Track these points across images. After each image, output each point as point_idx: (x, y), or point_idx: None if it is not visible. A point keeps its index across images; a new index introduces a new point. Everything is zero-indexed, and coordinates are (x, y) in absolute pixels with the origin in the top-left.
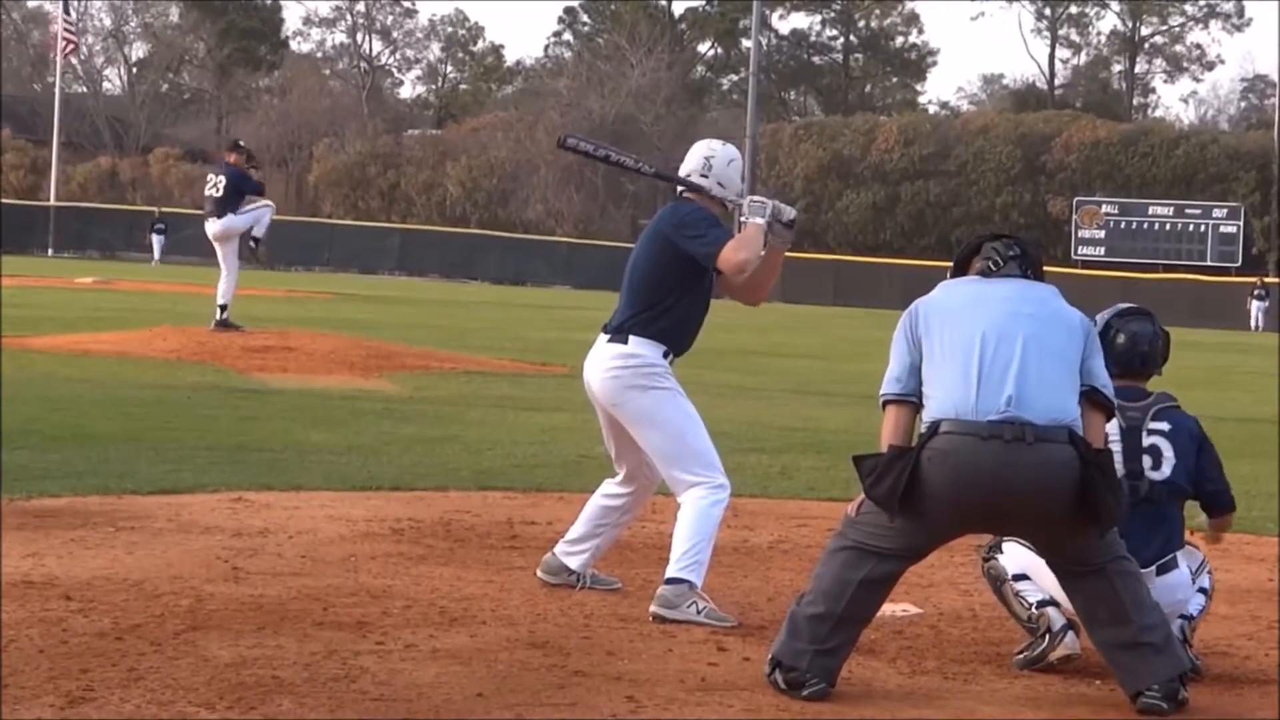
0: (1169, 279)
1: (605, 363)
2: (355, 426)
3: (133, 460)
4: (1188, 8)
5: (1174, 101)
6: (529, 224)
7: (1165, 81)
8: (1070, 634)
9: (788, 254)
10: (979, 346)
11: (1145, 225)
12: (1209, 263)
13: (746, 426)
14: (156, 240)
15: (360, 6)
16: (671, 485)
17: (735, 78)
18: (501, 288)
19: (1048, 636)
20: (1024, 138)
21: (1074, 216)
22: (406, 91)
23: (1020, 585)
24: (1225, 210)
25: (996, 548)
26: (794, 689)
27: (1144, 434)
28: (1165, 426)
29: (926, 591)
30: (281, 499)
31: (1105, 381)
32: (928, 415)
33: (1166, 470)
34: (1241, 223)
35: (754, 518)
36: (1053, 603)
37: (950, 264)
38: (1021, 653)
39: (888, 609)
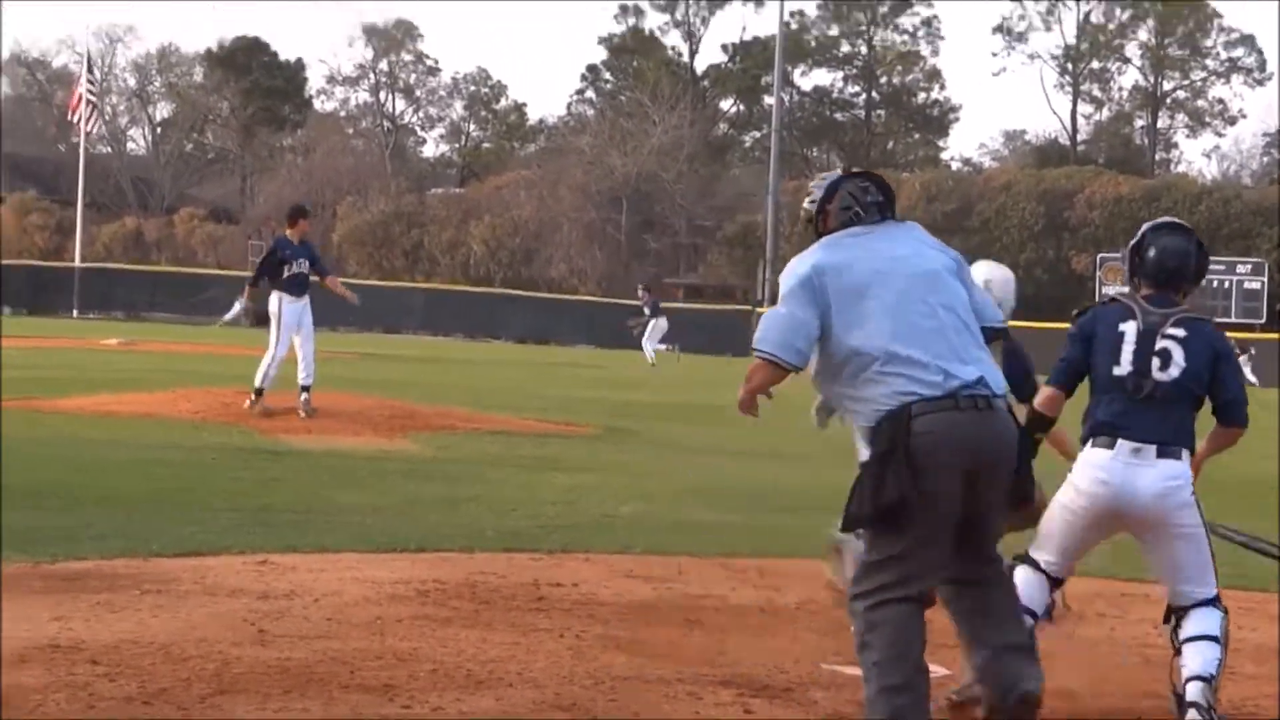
0: None
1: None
2: (380, 487)
3: (158, 522)
4: (1209, 63)
5: (1196, 156)
6: (553, 282)
7: (1188, 136)
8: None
9: None
10: (909, 331)
11: None
12: (1234, 319)
13: (774, 486)
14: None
15: (383, 65)
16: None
17: (758, 134)
18: (525, 347)
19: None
20: (1047, 194)
21: (1098, 273)
22: (430, 150)
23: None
24: (1249, 266)
25: (1010, 569)
26: None
27: (1159, 337)
28: (1182, 333)
29: (953, 653)
30: (307, 561)
31: (990, 315)
32: (883, 402)
33: (1174, 372)
34: (1266, 278)
35: (781, 578)
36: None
37: None
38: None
39: None
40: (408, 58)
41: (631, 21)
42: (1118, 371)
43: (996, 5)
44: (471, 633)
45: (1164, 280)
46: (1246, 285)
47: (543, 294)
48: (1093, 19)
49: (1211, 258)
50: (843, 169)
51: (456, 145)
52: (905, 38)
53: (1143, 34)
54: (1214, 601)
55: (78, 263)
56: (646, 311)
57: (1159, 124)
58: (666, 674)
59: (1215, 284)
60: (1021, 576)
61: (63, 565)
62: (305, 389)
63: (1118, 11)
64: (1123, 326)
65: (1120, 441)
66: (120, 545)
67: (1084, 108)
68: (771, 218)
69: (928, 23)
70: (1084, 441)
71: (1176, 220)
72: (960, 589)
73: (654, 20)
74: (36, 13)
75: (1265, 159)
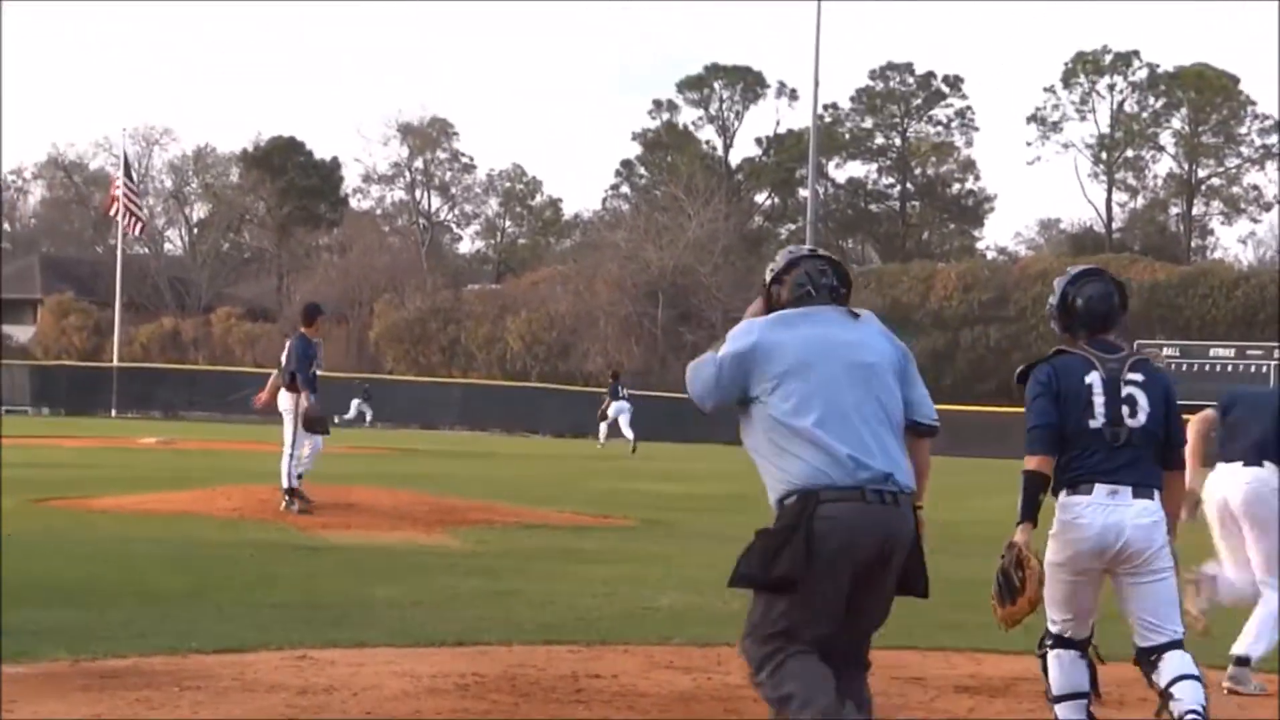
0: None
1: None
2: (418, 581)
3: (197, 619)
4: (1243, 149)
5: (1232, 242)
6: (589, 376)
7: (1223, 223)
8: None
9: None
10: (834, 418)
11: (1207, 367)
12: None
13: None
14: (356, 404)
15: (419, 163)
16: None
17: (793, 226)
18: (563, 441)
19: None
20: None
21: None
22: (465, 246)
23: (1060, 708)
24: None
25: (1043, 655)
26: None
27: (1122, 384)
28: (1140, 378)
29: None
30: (346, 655)
31: (926, 412)
32: (795, 478)
33: (1142, 418)
34: None
35: None
36: None
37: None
38: None
39: None
40: (443, 155)
41: (665, 116)
42: (1093, 425)
43: (1030, 95)
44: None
45: (1098, 325)
46: None
47: (580, 387)
48: (1126, 108)
49: (1249, 343)
50: (809, 249)
51: (492, 241)
52: (939, 129)
53: (1176, 122)
54: (1181, 643)
55: (115, 362)
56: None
57: (1194, 211)
58: None
59: (1254, 369)
60: (1054, 663)
61: (102, 663)
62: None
63: (1151, 100)
64: (1088, 379)
65: (1097, 486)
66: (159, 642)
67: (1119, 195)
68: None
69: (961, 114)
70: (1058, 492)
71: (1091, 267)
72: (845, 670)
73: (688, 115)
74: (73, 115)
75: None
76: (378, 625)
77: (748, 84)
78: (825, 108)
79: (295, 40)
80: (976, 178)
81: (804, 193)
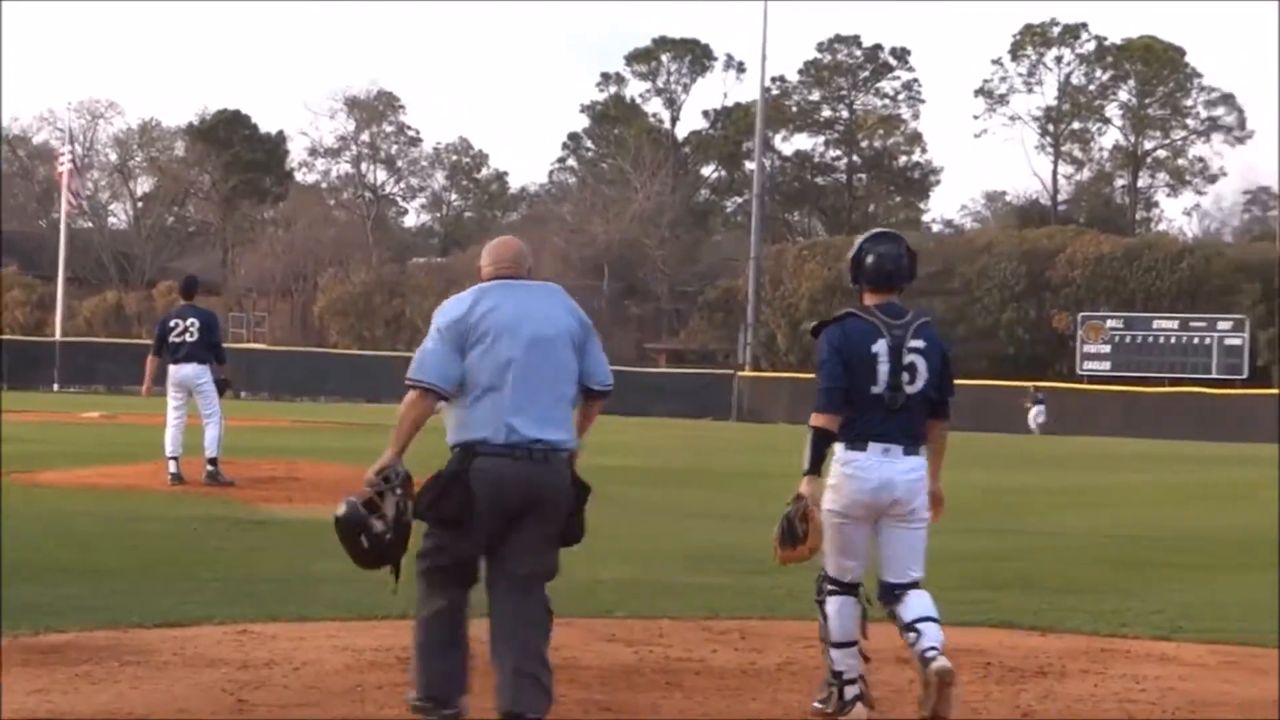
0: (1174, 392)
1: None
2: None
3: (139, 594)
4: (1190, 122)
5: (1177, 215)
6: None
7: (1168, 195)
8: (859, 705)
9: (794, 375)
10: (511, 381)
11: (1150, 339)
12: (1215, 375)
13: (754, 548)
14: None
15: (364, 136)
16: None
17: (739, 200)
18: None
19: (841, 704)
20: (1028, 254)
21: (1079, 332)
22: (411, 220)
23: (836, 654)
24: (1230, 323)
25: (820, 602)
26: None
27: (905, 352)
28: (921, 344)
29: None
30: (287, 630)
31: (598, 379)
32: (470, 430)
33: (920, 384)
34: (1247, 335)
35: (762, 640)
36: (853, 680)
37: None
38: (820, 702)
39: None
40: (389, 129)
41: (613, 89)
42: (875, 390)
43: (977, 68)
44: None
45: (883, 283)
46: (1228, 342)
47: None
48: (1073, 80)
49: (1193, 315)
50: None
51: (438, 215)
52: (886, 102)
53: (1123, 94)
54: (919, 583)
55: (59, 337)
56: None
57: (1140, 183)
58: None
59: (1197, 341)
60: (834, 609)
61: (43, 638)
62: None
63: (1098, 72)
64: (874, 348)
65: (871, 444)
66: (101, 617)
67: (1065, 168)
68: (753, 282)
69: (908, 86)
70: (836, 444)
71: (887, 229)
72: (497, 602)
73: (636, 88)
74: (17, 88)
75: (1246, 216)
76: (319, 599)
77: (695, 57)
78: (773, 81)
79: (241, 13)
80: (923, 150)
81: (751, 166)
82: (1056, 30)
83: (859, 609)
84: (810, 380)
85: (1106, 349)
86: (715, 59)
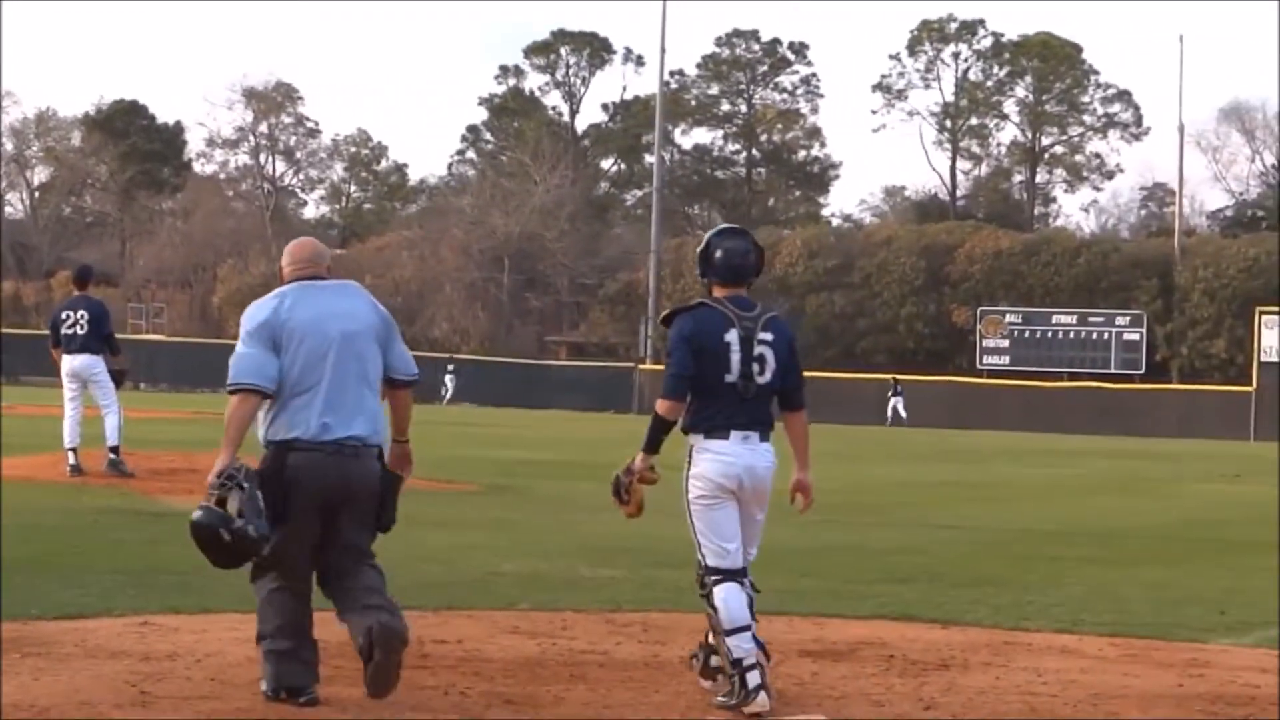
0: (1073, 387)
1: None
2: None
3: (39, 586)
4: (1087, 118)
5: (1075, 210)
6: (435, 342)
7: (1066, 191)
8: (762, 694)
9: None
10: (320, 379)
11: (1049, 334)
12: (1113, 370)
13: (657, 541)
14: (449, 380)
15: (263, 128)
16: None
17: (639, 193)
18: None
19: (744, 693)
20: (927, 249)
21: (978, 326)
22: (310, 211)
23: (733, 640)
24: (1128, 318)
25: (708, 595)
26: (297, 697)
27: (755, 344)
28: (770, 336)
29: (839, 703)
30: (189, 622)
31: (402, 368)
32: (284, 429)
33: (768, 376)
34: (1144, 330)
35: (665, 632)
36: (753, 666)
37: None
38: (723, 697)
39: (802, 718)
40: (288, 120)
41: (512, 82)
42: (729, 379)
43: (876, 63)
44: (355, 691)
45: (732, 278)
46: (1126, 337)
47: (426, 353)
48: (971, 76)
49: (1091, 310)
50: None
51: (337, 206)
52: (785, 96)
53: (1020, 91)
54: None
55: None
56: None
57: (1037, 179)
58: None
59: (1095, 336)
60: (722, 597)
61: None
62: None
63: (995, 68)
64: (727, 337)
65: (733, 431)
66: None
67: (963, 163)
68: (654, 275)
69: (806, 81)
70: (692, 434)
71: (735, 226)
72: (331, 581)
73: (534, 80)
74: None
75: (1143, 212)
76: (221, 591)
77: (594, 50)
78: (672, 74)
79: (138, 3)
80: (822, 145)
81: (650, 159)
82: (954, 26)
83: (745, 594)
84: None
85: (1005, 343)
86: (614, 52)
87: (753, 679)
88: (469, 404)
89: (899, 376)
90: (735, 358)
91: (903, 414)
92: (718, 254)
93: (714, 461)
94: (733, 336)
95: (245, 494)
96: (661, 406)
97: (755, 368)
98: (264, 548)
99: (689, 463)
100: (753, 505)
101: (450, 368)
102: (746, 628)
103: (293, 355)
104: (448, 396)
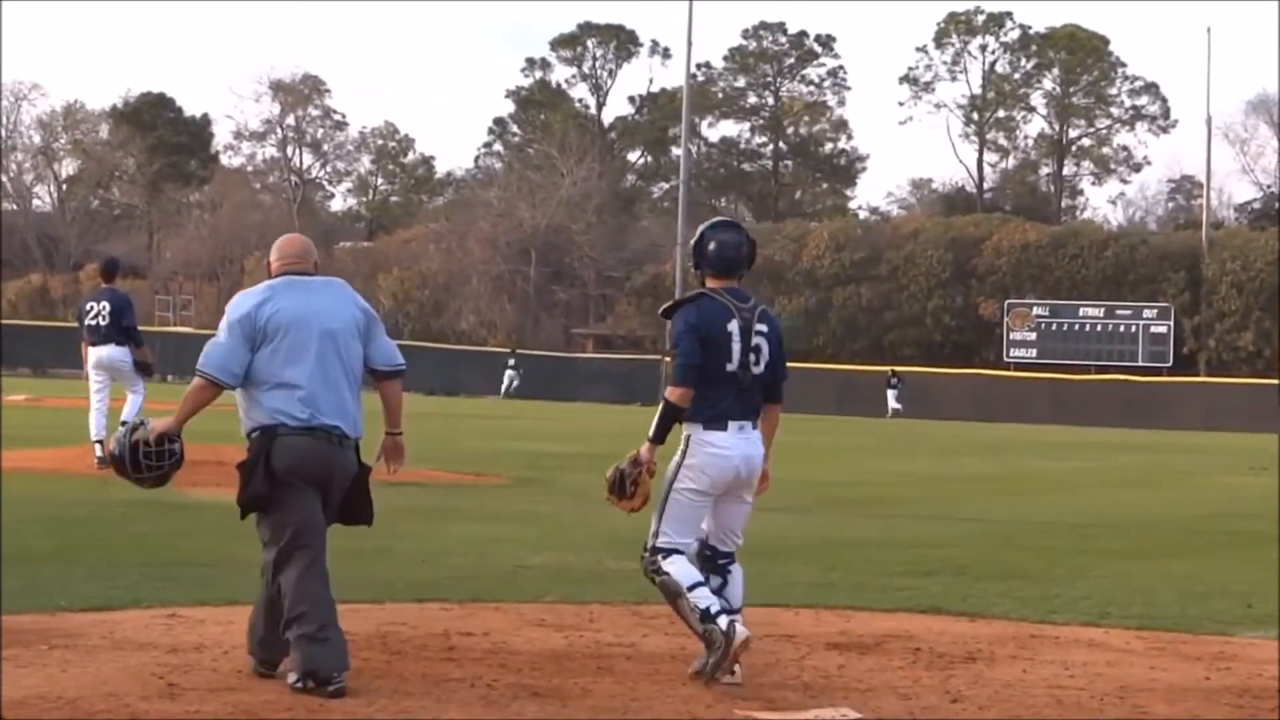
0: (1101, 380)
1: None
2: None
3: (66, 578)
4: (1114, 110)
5: (1102, 203)
6: (462, 334)
7: (1093, 183)
8: (740, 628)
9: None
10: (305, 372)
11: (1076, 327)
12: (1140, 363)
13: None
14: (509, 375)
15: (290, 120)
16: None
17: (666, 185)
18: (435, 399)
19: (722, 642)
20: (954, 241)
21: (1005, 319)
22: (337, 204)
23: (695, 595)
24: (1155, 311)
25: (658, 568)
26: (325, 685)
27: (753, 334)
28: (765, 328)
29: (865, 696)
30: (216, 614)
31: (383, 360)
32: (269, 415)
33: (762, 366)
34: (1172, 323)
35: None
36: (722, 611)
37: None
38: (701, 667)
39: (828, 713)
40: (315, 112)
41: (539, 75)
42: (730, 368)
43: (902, 55)
44: (383, 683)
45: (725, 269)
46: (1153, 330)
47: (452, 345)
48: (998, 68)
49: (1118, 303)
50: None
51: (364, 199)
52: (811, 88)
53: (1047, 83)
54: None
55: None
56: None
57: (1064, 171)
58: None
59: (1123, 328)
60: (671, 560)
61: None
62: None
63: (1023, 60)
64: (729, 327)
65: (730, 423)
66: (28, 601)
67: (990, 156)
68: (680, 268)
69: (834, 73)
70: (689, 424)
71: (728, 219)
72: (285, 573)
73: (561, 73)
74: None
75: (1170, 205)
76: (247, 583)
77: (621, 42)
78: (698, 67)
79: None
80: (849, 137)
81: (677, 151)
82: (981, 19)
83: (689, 553)
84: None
85: (1033, 336)
86: (641, 45)
87: (724, 621)
88: (497, 396)
89: (897, 369)
90: (736, 347)
91: (898, 406)
92: (711, 246)
93: (714, 457)
94: (734, 327)
95: (145, 432)
96: (674, 394)
97: (752, 357)
98: (177, 464)
99: (684, 451)
100: (744, 490)
101: (511, 362)
102: (703, 583)
103: (275, 348)
104: (512, 387)
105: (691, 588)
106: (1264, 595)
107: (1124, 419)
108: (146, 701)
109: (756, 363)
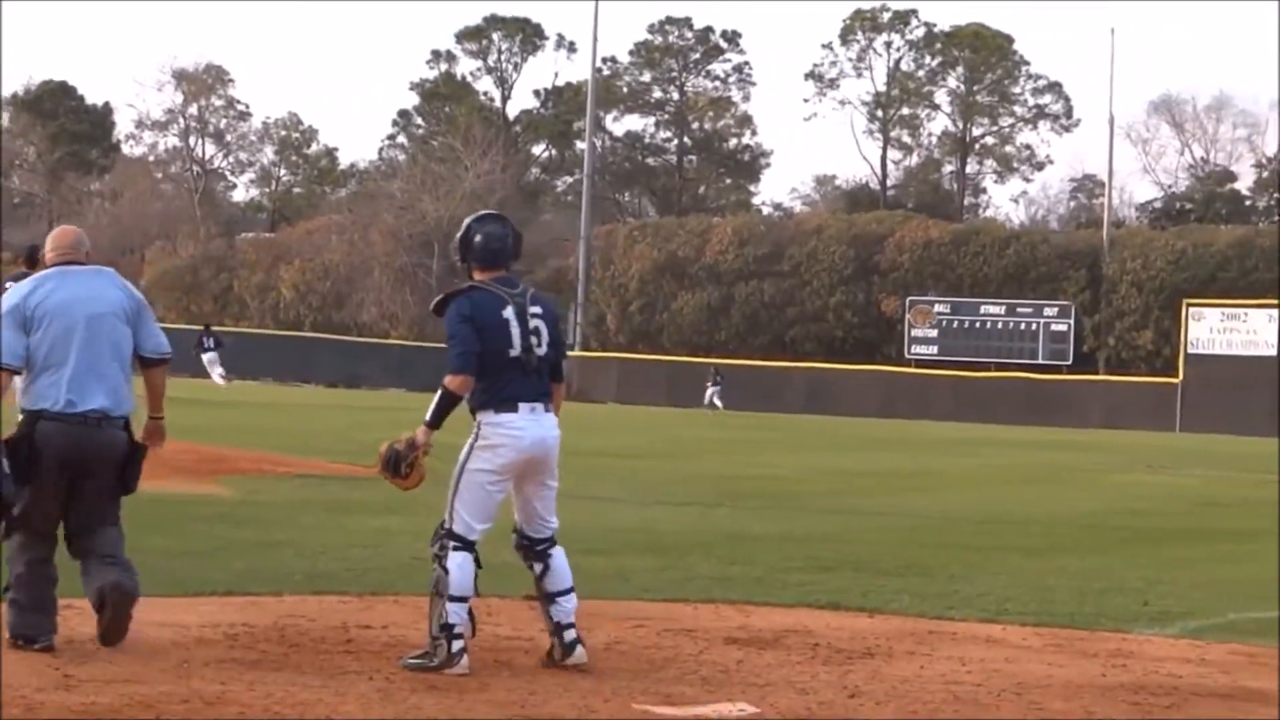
0: (1001, 377)
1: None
2: (188, 531)
3: None
4: (1017, 109)
5: (1004, 201)
6: (363, 326)
7: (996, 182)
8: (464, 658)
9: (624, 355)
10: (70, 356)
11: (977, 324)
12: (1041, 360)
13: (581, 529)
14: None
15: (193, 110)
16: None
17: (570, 179)
18: (336, 391)
19: (449, 657)
20: (857, 238)
21: (907, 316)
22: (240, 194)
23: (453, 607)
24: (1056, 309)
25: (443, 557)
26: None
27: (529, 317)
28: (539, 311)
29: (763, 691)
30: None
31: (152, 347)
32: (35, 400)
33: (545, 348)
34: (1072, 321)
35: (591, 619)
36: (460, 635)
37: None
38: (416, 658)
39: (726, 708)
40: (218, 102)
41: (444, 67)
42: (513, 354)
43: (808, 52)
44: (280, 675)
45: (491, 261)
46: (1054, 328)
47: (353, 338)
48: (903, 66)
49: (1019, 301)
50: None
51: (267, 190)
52: (717, 84)
53: (952, 81)
54: (555, 534)
55: None
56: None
57: (967, 169)
58: (476, 715)
59: (1024, 326)
60: (456, 565)
61: None
62: None
63: (927, 58)
64: (505, 314)
65: (520, 405)
66: None
67: (894, 153)
68: (584, 262)
69: (739, 69)
70: (481, 410)
71: (493, 211)
72: (74, 539)
73: (466, 66)
74: None
75: (1072, 204)
76: (145, 575)
77: (526, 35)
78: (604, 61)
79: None
80: (754, 133)
81: (581, 145)
82: (886, 16)
83: (476, 567)
84: (639, 360)
85: (934, 333)
86: (546, 38)
87: (457, 645)
88: (398, 389)
89: (718, 362)
90: (515, 332)
91: (719, 404)
92: (477, 239)
93: (505, 437)
94: (510, 313)
95: None
96: (452, 382)
97: (534, 340)
98: (14, 506)
99: (476, 434)
100: (544, 474)
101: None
102: (466, 599)
103: (43, 334)
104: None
105: (455, 599)
106: (1160, 592)
107: (1025, 416)
108: (42, 693)
109: (539, 345)
